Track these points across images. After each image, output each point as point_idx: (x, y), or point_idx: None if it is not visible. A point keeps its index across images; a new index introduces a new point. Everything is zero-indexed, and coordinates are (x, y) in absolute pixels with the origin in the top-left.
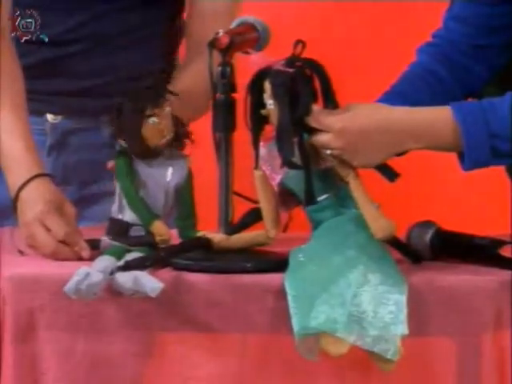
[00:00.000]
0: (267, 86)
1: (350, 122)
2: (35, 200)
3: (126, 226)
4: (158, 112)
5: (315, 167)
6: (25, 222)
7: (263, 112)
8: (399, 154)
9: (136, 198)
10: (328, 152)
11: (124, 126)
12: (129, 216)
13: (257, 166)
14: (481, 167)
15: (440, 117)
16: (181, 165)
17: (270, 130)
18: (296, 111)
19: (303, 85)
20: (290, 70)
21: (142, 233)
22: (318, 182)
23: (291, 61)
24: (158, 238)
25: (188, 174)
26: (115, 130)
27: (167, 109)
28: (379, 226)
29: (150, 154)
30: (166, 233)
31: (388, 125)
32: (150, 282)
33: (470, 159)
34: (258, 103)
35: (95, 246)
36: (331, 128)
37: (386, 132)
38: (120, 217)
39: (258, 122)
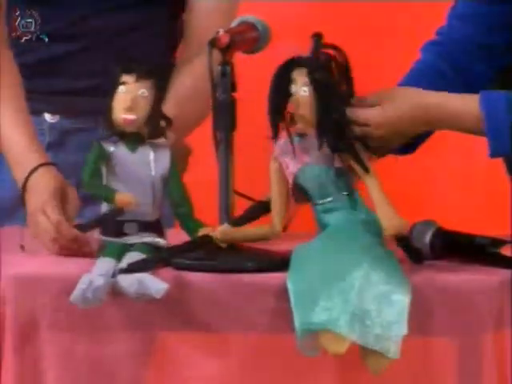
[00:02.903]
0: (300, 74)
1: (391, 113)
2: (42, 188)
3: (119, 222)
4: (129, 83)
5: (330, 166)
6: (29, 211)
7: (291, 101)
8: (416, 146)
9: (93, 177)
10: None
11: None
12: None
13: (274, 157)
14: (506, 156)
15: (468, 105)
16: (163, 149)
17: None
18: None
19: (342, 72)
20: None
21: (135, 228)
22: (331, 182)
23: (317, 50)
24: (125, 208)
25: (172, 161)
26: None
27: (143, 90)
28: (392, 223)
29: (113, 128)
30: (131, 200)
31: (422, 107)
32: (155, 284)
33: (493, 150)
34: (281, 94)
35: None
36: (373, 122)
37: (420, 114)
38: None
39: (282, 111)
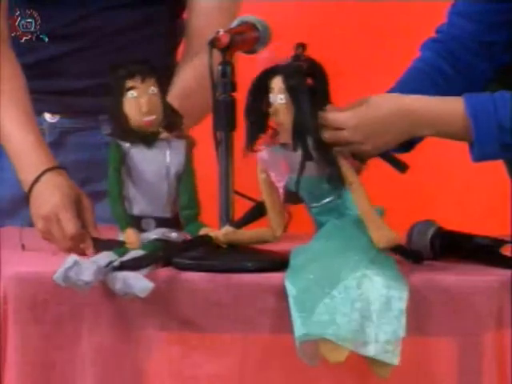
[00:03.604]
0: (276, 82)
1: (365, 116)
2: (52, 192)
3: (136, 219)
4: (137, 86)
5: (318, 173)
6: (41, 216)
7: (270, 110)
8: (412, 145)
9: (118, 199)
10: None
11: (110, 103)
12: (136, 209)
13: (260, 169)
14: (490, 160)
15: (452, 107)
16: (178, 147)
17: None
18: (314, 103)
19: (318, 78)
20: (303, 64)
21: (153, 224)
22: (323, 184)
23: (297, 58)
24: (127, 245)
25: (187, 158)
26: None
27: (152, 88)
28: (381, 236)
29: (134, 134)
30: (135, 242)
31: (401, 111)
32: (139, 283)
33: (479, 152)
34: (260, 103)
35: (107, 247)
36: (347, 125)
37: (400, 118)
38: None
39: (259, 122)
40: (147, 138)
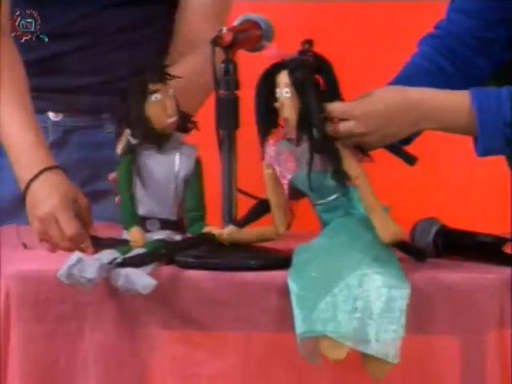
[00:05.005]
0: (282, 76)
1: (370, 106)
2: (49, 192)
3: (141, 219)
4: (160, 88)
5: (323, 168)
6: (38, 216)
7: (276, 105)
8: (413, 136)
9: (127, 198)
10: (348, 142)
11: (129, 108)
12: (142, 210)
13: (266, 164)
14: (494, 154)
15: (458, 101)
16: (189, 152)
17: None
18: (320, 98)
19: (325, 74)
20: (309, 58)
21: (158, 226)
22: (328, 181)
23: (304, 53)
24: (131, 243)
25: (196, 163)
26: (120, 116)
27: (171, 90)
28: (387, 230)
29: (156, 136)
30: (140, 240)
31: (406, 103)
32: (142, 280)
33: (483, 146)
34: (268, 98)
35: (107, 245)
36: (352, 115)
37: (405, 110)
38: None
39: (268, 117)
40: (162, 140)
